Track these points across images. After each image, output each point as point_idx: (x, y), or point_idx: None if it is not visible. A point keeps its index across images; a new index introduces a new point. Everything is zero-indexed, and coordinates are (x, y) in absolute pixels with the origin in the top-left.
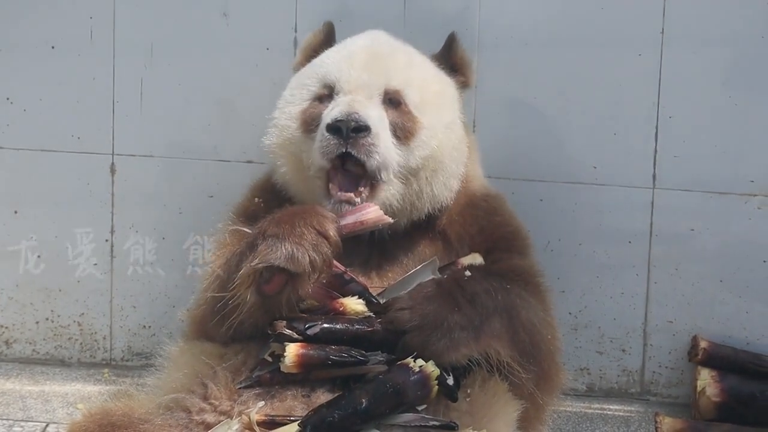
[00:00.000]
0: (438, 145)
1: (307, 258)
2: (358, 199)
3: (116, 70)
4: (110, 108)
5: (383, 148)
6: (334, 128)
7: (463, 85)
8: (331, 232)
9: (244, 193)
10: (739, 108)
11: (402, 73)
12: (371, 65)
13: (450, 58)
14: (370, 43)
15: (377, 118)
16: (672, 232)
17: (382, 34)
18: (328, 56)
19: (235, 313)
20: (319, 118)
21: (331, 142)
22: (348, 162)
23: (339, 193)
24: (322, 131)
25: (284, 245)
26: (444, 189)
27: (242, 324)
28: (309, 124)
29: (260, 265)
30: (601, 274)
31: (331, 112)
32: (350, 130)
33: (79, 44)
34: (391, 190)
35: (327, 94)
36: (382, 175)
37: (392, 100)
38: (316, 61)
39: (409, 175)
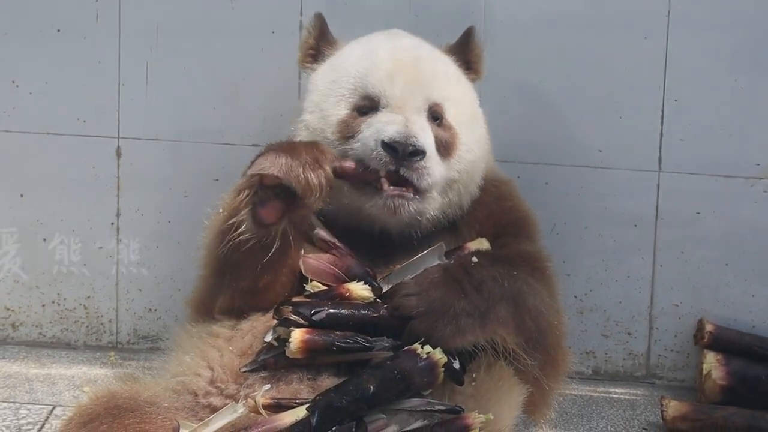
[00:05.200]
0: (473, 159)
1: (302, 173)
2: (409, 193)
3: (122, 54)
4: (116, 91)
5: (434, 169)
6: (391, 148)
7: (473, 80)
8: (326, 163)
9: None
10: (745, 91)
11: (442, 86)
12: (414, 79)
13: (465, 54)
14: (404, 51)
15: (430, 141)
16: (678, 215)
17: (404, 36)
18: (362, 65)
19: (233, 239)
20: (359, 128)
21: (385, 158)
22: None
23: (391, 187)
24: (377, 144)
25: (282, 157)
26: (469, 198)
27: (241, 267)
28: (347, 132)
29: (257, 171)
30: (607, 258)
31: (387, 128)
32: (407, 153)
33: (85, 27)
34: (433, 204)
35: (369, 105)
36: (429, 192)
37: (434, 115)
38: (347, 66)
39: (447, 188)
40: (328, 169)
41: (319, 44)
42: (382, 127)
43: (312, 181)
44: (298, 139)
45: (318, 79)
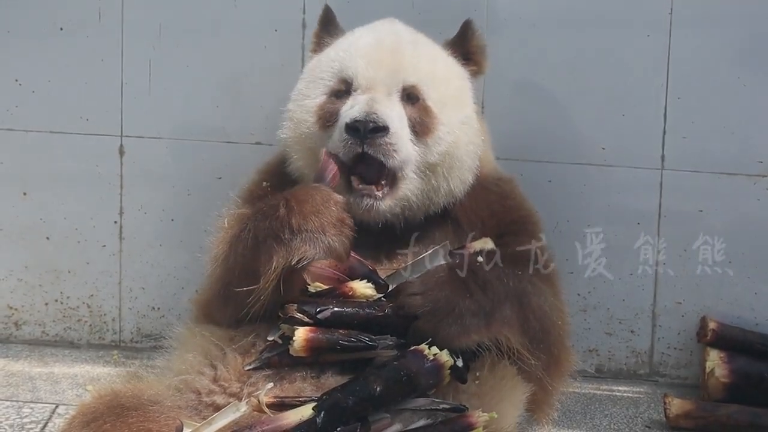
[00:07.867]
0: (455, 140)
1: (342, 247)
2: (379, 193)
3: (125, 52)
4: (119, 89)
5: (402, 147)
6: (353, 128)
7: (475, 73)
8: (347, 218)
9: (250, 176)
10: (748, 89)
11: (419, 68)
12: (388, 61)
13: (463, 46)
14: (384, 36)
15: (396, 117)
16: (680, 213)
17: (394, 23)
18: (342, 48)
19: (256, 303)
20: (337, 114)
21: (350, 142)
22: (368, 156)
23: (361, 186)
24: (341, 130)
25: (321, 239)
26: (459, 184)
27: (253, 308)
28: (326, 120)
29: (304, 262)
30: (610, 256)
31: (350, 111)
32: (368, 130)
33: (88, 26)
34: (410, 185)
35: (344, 89)
36: (401, 172)
37: (410, 96)
38: (331, 53)
39: (427, 170)
40: (349, 221)
41: (322, 34)
42: (347, 113)
43: (348, 249)
44: (284, 135)
45: (308, 66)
